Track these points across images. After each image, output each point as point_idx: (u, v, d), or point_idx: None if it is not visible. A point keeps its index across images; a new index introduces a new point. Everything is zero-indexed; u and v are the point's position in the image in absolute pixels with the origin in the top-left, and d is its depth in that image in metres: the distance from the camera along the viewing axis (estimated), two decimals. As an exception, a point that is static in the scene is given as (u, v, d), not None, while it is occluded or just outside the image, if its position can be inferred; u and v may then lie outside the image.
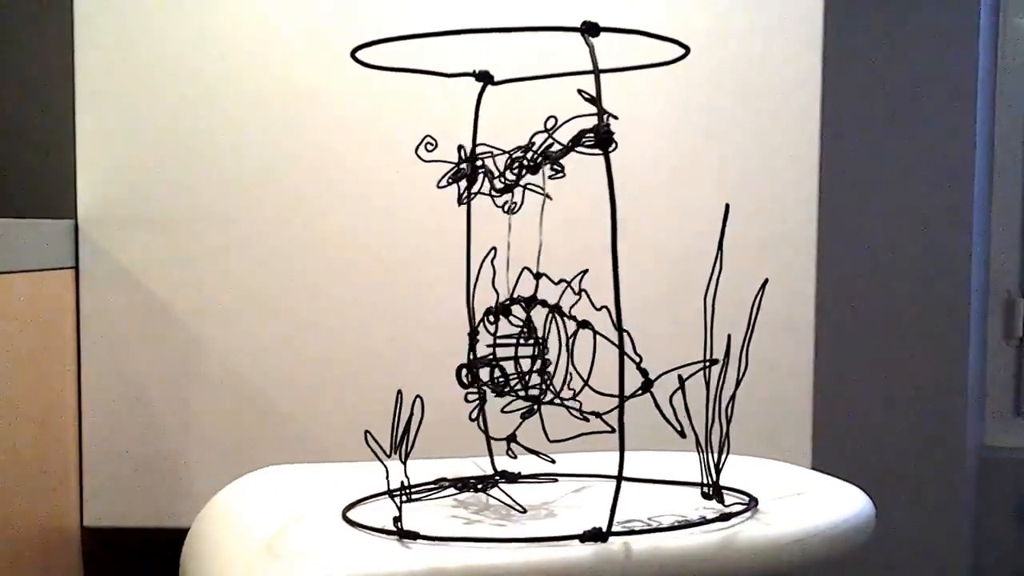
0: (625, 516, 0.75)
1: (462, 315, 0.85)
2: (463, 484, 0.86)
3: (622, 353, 0.70)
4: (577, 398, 0.79)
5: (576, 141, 0.73)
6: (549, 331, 0.79)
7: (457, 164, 0.81)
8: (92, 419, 1.31)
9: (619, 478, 0.70)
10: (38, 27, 1.33)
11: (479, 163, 0.81)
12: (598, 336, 0.75)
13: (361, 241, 1.29)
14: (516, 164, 0.79)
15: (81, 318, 1.30)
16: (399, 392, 0.73)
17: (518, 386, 0.80)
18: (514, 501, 0.80)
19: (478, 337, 0.82)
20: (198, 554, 0.81)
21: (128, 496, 1.31)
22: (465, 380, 0.80)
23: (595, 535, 0.69)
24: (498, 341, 0.80)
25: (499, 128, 0.85)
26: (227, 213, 1.30)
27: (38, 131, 1.33)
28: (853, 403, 1.69)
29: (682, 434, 0.75)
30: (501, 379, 0.80)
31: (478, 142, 0.84)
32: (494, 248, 0.84)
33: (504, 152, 0.81)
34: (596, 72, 0.70)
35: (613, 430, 0.71)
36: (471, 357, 0.82)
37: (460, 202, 0.82)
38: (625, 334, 0.70)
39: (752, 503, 0.78)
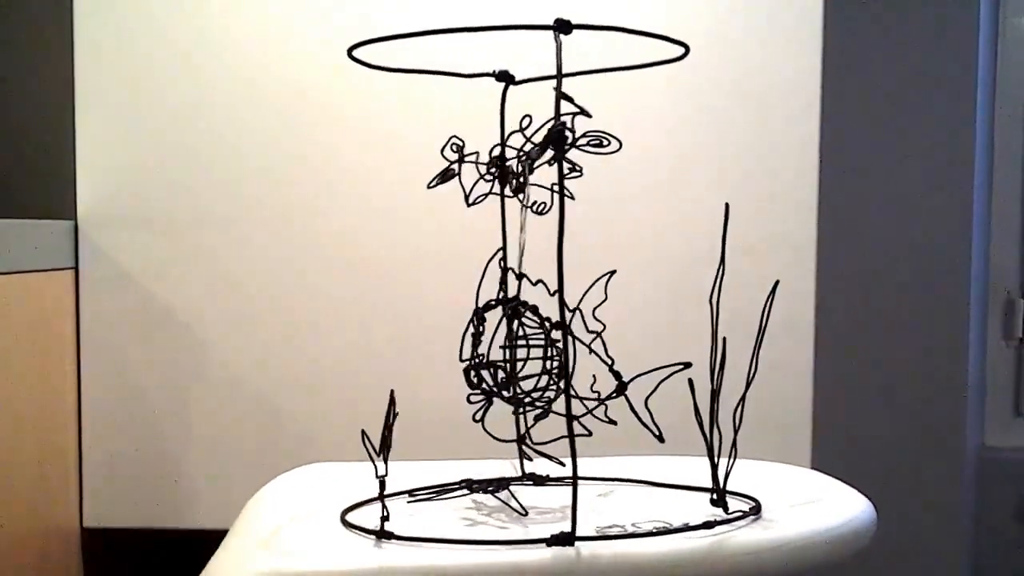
0: (623, 520, 0.75)
1: (463, 316, 0.85)
2: (475, 486, 0.86)
3: (564, 350, 0.70)
4: (604, 402, 0.79)
5: (550, 141, 0.72)
6: (519, 330, 0.79)
7: (450, 164, 0.81)
8: (92, 419, 1.31)
9: (574, 480, 0.70)
10: (38, 28, 1.33)
11: (494, 164, 0.81)
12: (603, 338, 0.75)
13: (361, 241, 1.29)
14: (521, 162, 0.78)
15: (81, 318, 1.30)
16: (392, 392, 0.73)
17: (529, 388, 0.80)
18: (519, 504, 0.80)
19: (482, 337, 0.82)
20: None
21: (128, 496, 1.31)
22: (473, 380, 0.80)
23: (562, 539, 0.69)
24: (509, 343, 0.80)
25: (494, 128, 0.85)
26: (227, 213, 1.30)
27: (38, 131, 1.33)
28: (853, 403, 1.69)
29: (660, 439, 0.75)
30: (507, 380, 0.79)
31: (473, 140, 0.84)
32: (501, 249, 0.84)
33: (501, 149, 0.81)
34: (559, 71, 0.70)
35: (615, 423, 0.70)
36: (476, 358, 0.81)
37: (468, 203, 0.81)
38: (598, 336, 0.70)
39: (751, 512, 0.77)
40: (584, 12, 1.12)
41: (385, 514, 0.73)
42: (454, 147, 0.81)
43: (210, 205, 1.30)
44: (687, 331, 1.23)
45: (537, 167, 0.78)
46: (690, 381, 0.72)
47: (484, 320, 0.81)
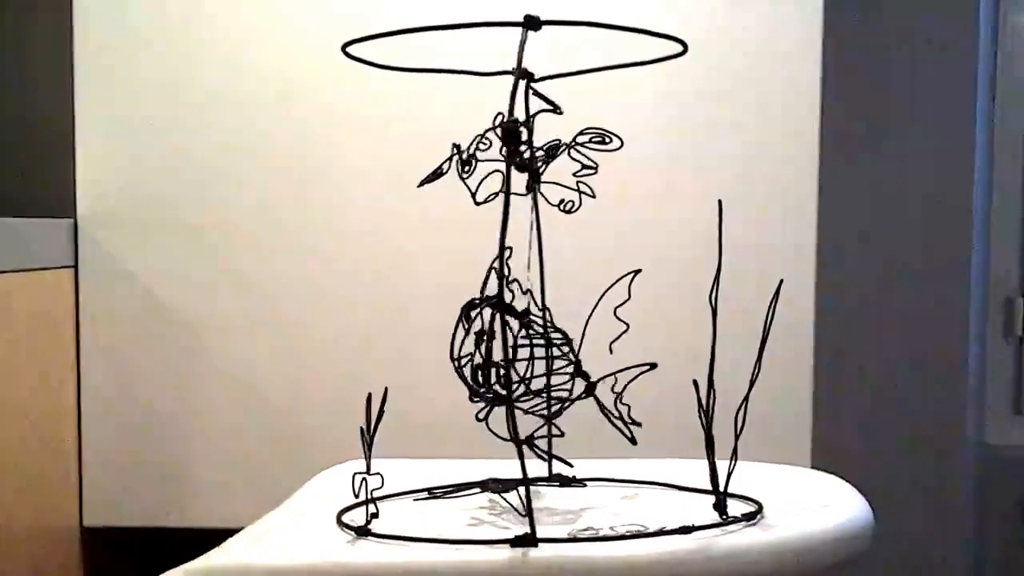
0: (615, 523, 0.76)
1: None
2: (491, 485, 0.86)
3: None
4: (573, 402, 0.79)
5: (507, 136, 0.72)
6: (493, 329, 0.79)
7: (444, 162, 0.81)
8: (92, 419, 1.31)
9: (526, 482, 0.71)
10: (38, 27, 1.33)
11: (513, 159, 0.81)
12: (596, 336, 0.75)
13: (362, 240, 1.29)
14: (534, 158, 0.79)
15: (81, 318, 1.30)
16: (385, 389, 0.74)
17: (534, 387, 0.80)
18: (522, 504, 0.80)
19: (483, 337, 0.82)
20: None
21: (128, 496, 1.31)
22: (480, 380, 0.80)
23: (525, 540, 0.70)
24: (517, 343, 0.80)
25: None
26: (227, 213, 1.30)
27: (38, 131, 1.33)
28: (853, 403, 1.69)
29: (633, 441, 0.75)
30: (517, 381, 0.79)
31: (475, 141, 0.83)
32: (510, 248, 0.83)
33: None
34: (519, 66, 0.70)
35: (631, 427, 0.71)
36: (482, 358, 0.81)
37: (477, 202, 0.81)
38: (561, 332, 0.70)
39: (746, 518, 0.76)
40: (584, 12, 1.12)
41: (374, 511, 0.75)
42: (481, 146, 0.81)
43: (210, 204, 1.30)
44: (688, 331, 1.23)
45: (550, 161, 0.78)
46: (695, 382, 0.72)
47: (472, 320, 0.81)
